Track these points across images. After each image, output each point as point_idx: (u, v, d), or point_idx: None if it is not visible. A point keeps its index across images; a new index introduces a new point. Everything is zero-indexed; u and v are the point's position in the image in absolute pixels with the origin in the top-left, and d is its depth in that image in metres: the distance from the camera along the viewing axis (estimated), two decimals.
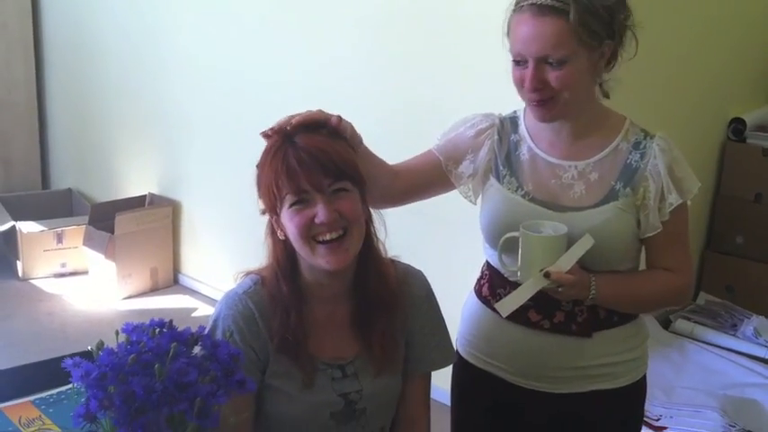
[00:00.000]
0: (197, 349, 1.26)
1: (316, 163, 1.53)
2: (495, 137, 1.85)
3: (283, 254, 1.62)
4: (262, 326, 1.60)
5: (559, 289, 1.65)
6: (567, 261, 1.65)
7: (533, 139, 1.82)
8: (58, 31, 5.27)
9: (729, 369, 3.30)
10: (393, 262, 1.74)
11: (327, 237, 1.55)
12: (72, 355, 1.23)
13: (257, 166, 1.62)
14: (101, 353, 1.19)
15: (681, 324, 3.56)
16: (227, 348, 1.24)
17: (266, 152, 1.60)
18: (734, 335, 3.47)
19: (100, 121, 5.06)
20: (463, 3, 3.15)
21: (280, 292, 1.61)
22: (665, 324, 3.60)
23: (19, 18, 5.19)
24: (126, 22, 4.74)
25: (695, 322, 3.56)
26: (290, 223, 1.56)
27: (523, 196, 1.78)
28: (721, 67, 3.69)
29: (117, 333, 1.25)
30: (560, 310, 1.77)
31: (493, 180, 1.83)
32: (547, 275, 1.63)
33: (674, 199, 1.71)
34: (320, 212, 1.53)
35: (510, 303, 1.71)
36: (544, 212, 1.74)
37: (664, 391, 3.13)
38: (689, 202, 1.76)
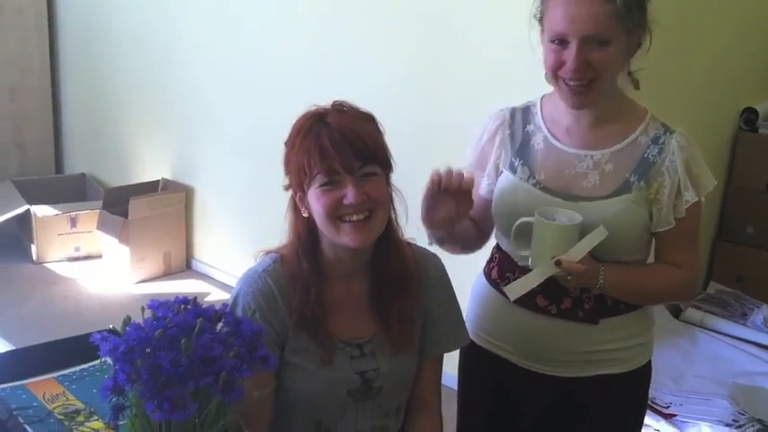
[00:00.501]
0: (220, 326, 1.29)
1: (348, 145, 1.56)
2: (507, 131, 1.87)
3: (305, 230, 1.65)
4: (281, 303, 1.63)
5: (569, 277, 1.67)
6: (580, 251, 1.67)
7: (549, 128, 1.83)
8: (72, 16, 5.29)
9: (739, 358, 3.32)
10: (410, 244, 1.76)
11: (354, 218, 1.59)
12: (100, 332, 1.26)
13: (285, 144, 1.65)
14: (128, 328, 1.21)
15: (691, 313, 3.57)
16: (249, 325, 1.27)
17: (297, 130, 1.62)
18: (744, 324, 3.49)
19: (114, 107, 5.09)
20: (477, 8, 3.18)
21: (300, 268, 1.64)
22: (676, 313, 3.61)
23: (33, 3, 5.21)
24: (140, 8, 4.76)
25: (705, 311, 3.57)
26: (317, 202, 1.58)
27: (535, 185, 1.79)
28: (733, 57, 3.69)
29: (143, 309, 1.28)
30: (568, 297, 1.79)
31: (506, 172, 1.85)
32: (558, 263, 1.65)
33: (690, 196, 1.72)
34: (349, 194, 1.56)
35: (519, 288, 1.74)
36: (555, 201, 1.76)
37: (673, 379, 3.15)
38: (703, 199, 1.77)
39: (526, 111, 1.88)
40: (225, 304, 1.33)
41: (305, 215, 1.63)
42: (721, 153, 3.79)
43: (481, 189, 1.91)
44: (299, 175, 1.60)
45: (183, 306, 1.29)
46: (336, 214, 1.58)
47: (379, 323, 1.70)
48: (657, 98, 3.18)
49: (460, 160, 1.91)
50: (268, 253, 1.70)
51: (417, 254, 1.77)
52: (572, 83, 1.69)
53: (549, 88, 1.81)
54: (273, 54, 4.04)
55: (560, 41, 1.68)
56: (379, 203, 1.61)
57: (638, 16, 1.68)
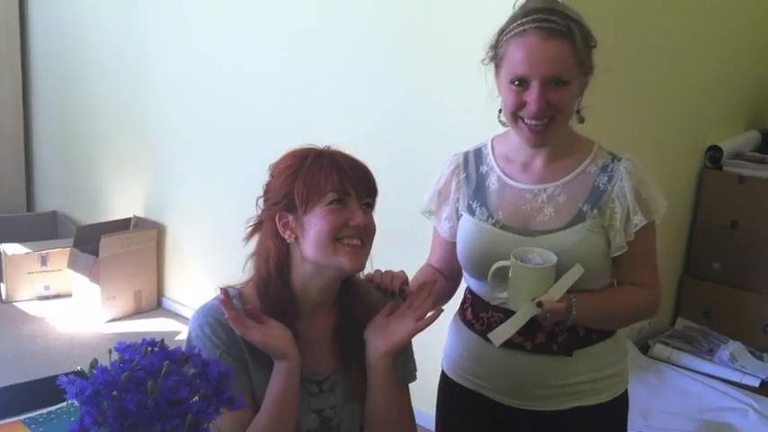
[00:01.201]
0: (187, 368, 1.30)
1: (361, 171, 1.62)
2: (462, 175, 1.92)
3: (279, 260, 1.64)
4: (239, 335, 1.60)
5: (548, 315, 1.70)
6: (558, 290, 1.69)
7: (503, 168, 1.87)
8: (45, 54, 5.31)
9: (706, 393, 3.36)
10: (371, 281, 1.78)
11: (354, 242, 1.61)
12: (67, 374, 1.27)
13: (275, 170, 1.65)
14: (95, 371, 1.21)
15: (659, 349, 3.61)
16: (217, 366, 1.27)
17: (301, 156, 1.63)
18: (710, 360, 3.53)
19: (86, 144, 5.09)
20: (452, 20, 3.21)
21: (265, 301, 1.63)
22: (644, 349, 3.65)
23: (6, 39, 5.24)
24: (114, 47, 4.79)
25: (673, 347, 3.61)
26: (322, 220, 1.59)
27: (494, 224, 1.83)
28: (699, 95, 3.77)
29: (110, 351, 1.28)
30: (541, 332, 1.81)
31: (466, 215, 1.89)
32: (539, 305, 1.67)
33: (638, 220, 1.77)
34: (358, 217, 1.59)
35: (503, 333, 1.75)
36: (515, 238, 1.79)
37: (642, 414, 3.18)
38: (658, 221, 1.81)
39: (478, 153, 1.93)
40: (191, 345, 1.34)
41: (289, 240, 1.63)
42: (687, 190, 3.85)
43: (443, 232, 1.95)
44: (304, 193, 1.60)
45: (150, 348, 1.29)
46: (338, 235, 1.60)
47: (341, 359, 1.70)
48: (624, 137, 3.25)
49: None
50: (227, 288, 1.70)
51: (375, 293, 1.78)
52: (532, 122, 1.73)
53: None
54: (247, 93, 4.06)
55: (521, 82, 1.72)
56: (371, 234, 1.64)
57: (589, 56, 1.75)
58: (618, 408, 1.94)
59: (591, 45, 1.75)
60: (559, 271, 1.71)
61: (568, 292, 1.74)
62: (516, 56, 1.72)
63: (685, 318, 3.89)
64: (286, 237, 1.63)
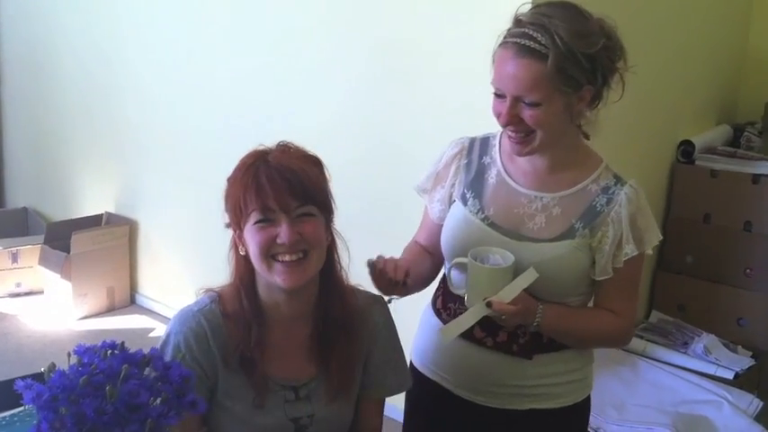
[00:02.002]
0: (149, 371, 1.28)
1: (285, 183, 1.55)
2: (464, 160, 1.89)
3: (244, 269, 1.64)
4: (213, 344, 1.61)
5: (503, 317, 1.69)
6: (510, 292, 1.68)
7: (505, 164, 1.85)
8: (15, 49, 5.24)
9: (680, 386, 3.35)
10: (354, 290, 1.76)
11: (287, 258, 1.58)
12: (24, 377, 1.24)
13: (228, 180, 1.64)
14: (52, 375, 1.19)
15: (633, 342, 3.60)
16: (178, 370, 1.26)
17: (239, 167, 1.61)
18: (685, 352, 3.53)
19: (56, 140, 5.04)
20: (435, 41, 3.21)
21: (241, 307, 1.63)
22: None
23: None
24: (85, 41, 4.73)
25: (647, 340, 3.61)
26: (251, 240, 1.58)
27: (483, 220, 1.81)
28: (671, 90, 3.77)
29: (69, 355, 1.26)
30: (504, 330, 1.80)
31: (458, 202, 1.87)
32: (489, 305, 1.66)
33: (630, 249, 1.74)
34: (283, 233, 1.55)
35: (453, 329, 1.75)
36: (500, 239, 1.78)
37: (616, 408, 3.17)
38: (650, 251, 1.79)
39: (485, 142, 1.90)
40: (154, 348, 1.32)
41: (242, 253, 1.63)
42: (659, 185, 3.85)
43: (432, 214, 1.94)
44: (235, 212, 1.60)
45: (110, 351, 1.27)
46: (270, 253, 1.58)
47: (319, 367, 1.69)
48: (600, 132, 3.25)
49: (411, 208, 1.93)
50: (207, 291, 1.69)
51: (362, 299, 1.77)
52: (509, 132, 1.72)
53: None
54: (221, 87, 4.03)
55: (499, 95, 1.70)
56: (313, 245, 1.60)
57: (579, 76, 1.66)
58: (577, 413, 1.93)
59: (580, 62, 1.64)
60: (520, 273, 1.71)
61: (536, 298, 1.73)
62: (496, 66, 1.71)
63: (659, 311, 3.90)
64: (239, 250, 1.64)
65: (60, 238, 4.42)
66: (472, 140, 1.92)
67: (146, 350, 1.30)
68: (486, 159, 1.87)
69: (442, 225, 1.90)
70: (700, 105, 4.12)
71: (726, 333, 3.66)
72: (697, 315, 3.78)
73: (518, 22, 1.68)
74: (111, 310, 4.52)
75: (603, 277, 1.77)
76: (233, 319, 1.63)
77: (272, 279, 1.60)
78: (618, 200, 1.75)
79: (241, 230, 1.61)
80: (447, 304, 1.89)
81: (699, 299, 3.82)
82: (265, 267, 1.59)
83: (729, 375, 3.39)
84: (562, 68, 1.63)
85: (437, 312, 1.93)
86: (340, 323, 1.69)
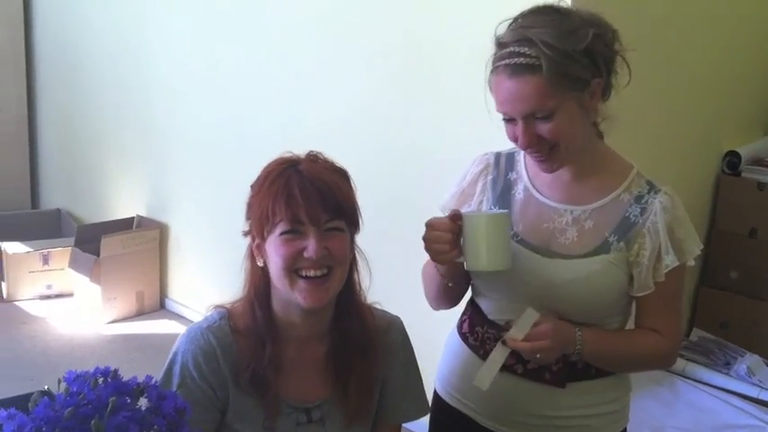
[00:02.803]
0: (143, 401, 1.19)
1: (317, 195, 1.49)
2: (489, 177, 1.80)
3: (261, 281, 1.57)
4: (222, 362, 1.54)
5: (537, 356, 1.59)
6: (518, 332, 1.59)
7: (531, 179, 1.75)
8: (50, 51, 5.25)
9: (722, 409, 3.23)
10: (372, 309, 1.68)
11: (311, 273, 1.50)
12: (25, 395, 1.18)
13: (252, 186, 1.57)
14: (36, 406, 1.11)
15: None
16: (173, 401, 1.17)
17: (266, 174, 1.54)
18: (727, 373, 3.40)
19: (91, 142, 5.02)
20: (446, 45, 3.12)
21: (254, 322, 1.55)
22: None
23: (11, 36, 5.18)
24: (119, 44, 4.72)
25: (687, 359, 3.49)
26: (275, 252, 1.50)
27: (512, 237, 1.70)
28: (716, 99, 3.64)
29: (59, 381, 1.19)
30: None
31: None
32: (504, 343, 1.59)
33: (670, 260, 1.62)
34: (311, 247, 1.48)
35: (486, 376, 1.64)
36: (530, 256, 1.67)
37: (653, 430, 3.06)
38: (692, 262, 1.67)
39: (510, 157, 1.80)
40: (149, 376, 1.23)
41: (260, 264, 1.55)
42: (704, 197, 3.73)
43: None
44: (260, 221, 1.52)
45: (102, 379, 1.19)
46: (294, 267, 1.50)
47: (335, 388, 1.61)
48: (638, 142, 3.14)
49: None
50: (217, 307, 1.61)
51: (380, 319, 1.69)
52: (532, 154, 1.63)
53: None
54: (251, 92, 3.97)
55: (508, 119, 1.61)
56: (338, 261, 1.53)
57: (582, 73, 1.57)
58: None
59: (577, 59, 1.54)
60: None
61: (574, 324, 1.63)
62: (495, 94, 1.61)
63: (701, 328, 3.76)
64: (258, 261, 1.55)
65: (91, 241, 4.39)
66: (497, 156, 1.82)
67: (138, 379, 1.21)
68: (513, 175, 1.78)
69: None
70: (746, 115, 3.98)
71: None
72: (740, 334, 3.66)
73: (500, 44, 1.58)
74: (140, 314, 4.47)
75: (644, 293, 1.65)
76: (244, 335, 1.56)
77: (291, 296, 1.52)
78: (653, 209, 1.64)
79: (263, 241, 1.53)
80: (474, 328, 1.79)
81: (743, 317, 3.69)
82: (287, 282, 1.51)
83: None
84: (561, 72, 1.53)
85: (463, 337, 1.83)
86: (358, 343, 1.62)
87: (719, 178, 3.74)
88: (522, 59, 1.53)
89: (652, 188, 1.68)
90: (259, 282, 1.57)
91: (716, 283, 3.77)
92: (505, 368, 1.71)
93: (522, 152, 1.76)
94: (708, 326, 3.75)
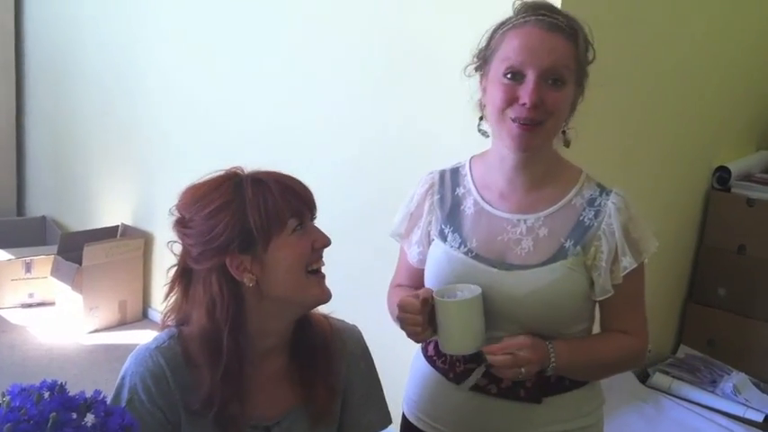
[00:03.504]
0: (91, 417, 1.15)
1: (305, 188, 1.49)
2: (436, 196, 1.75)
3: (231, 308, 1.46)
4: (173, 385, 1.46)
5: (522, 370, 1.55)
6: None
7: (480, 191, 1.71)
8: (39, 59, 5.24)
9: (707, 428, 3.18)
10: (326, 317, 1.64)
11: (319, 265, 1.50)
12: None
13: (218, 206, 1.45)
14: None
15: (658, 378, 3.44)
16: (120, 418, 1.13)
17: (228, 187, 1.46)
18: (712, 391, 3.36)
19: (78, 150, 5.00)
20: (434, 43, 3.07)
21: (218, 355, 1.45)
22: (643, 377, 3.48)
23: (1, 44, 5.16)
24: (106, 52, 4.70)
25: (673, 377, 3.44)
26: (289, 252, 1.45)
27: (467, 253, 1.66)
28: (706, 115, 3.61)
29: (2, 395, 1.14)
30: None
31: (437, 240, 1.72)
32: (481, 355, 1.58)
33: (628, 262, 1.60)
34: (321, 236, 1.48)
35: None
36: (487, 270, 1.63)
37: None
38: (646, 261, 1.64)
39: (455, 173, 1.76)
40: (97, 390, 1.19)
41: (250, 283, 1.45)
42: (693, 212, 3.69)
43: (411, 258, 1.78)
44: (261, 228, 1.42)
45: (48, 393, 1.15)
46: (307, 263, 1.47)
47: (301, 395, 1.56)
48: (628, 156, 3.10)
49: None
50: (164, 326, 1.55)
51: (335, 326, 1.64)
52: (522, 120, 1.56)
53: None
54: (237, 101, 3.94)
55: (514, 75, 1.56)
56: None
57: (584, 71, 1.61)
58: None
59: (589, 57, 1.61)
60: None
61: (543, 337, 1.59)
62: (513, 44, 1.56)
63: (688, 345, 3.72)
64: (245, 280, 1.45)
65: (75, 249, 4.34)
66: (441, 173, 1.78)
67: (87, 394, 1.17)
68: (460, 190, 1.73)
69: (422, 269, 1.75)
70: (737, 130, 3.94)
71: (757, 371, 3.49)
72: (727, 351, 3.61)
73: (529, 7, 1.58)
74: (122, 324, 4.42)
75: (605, 296, 1.62)
76: (200, 367, 1.47)
77: (306, 295, 1.48)
78: (606, 210, 1.61)
79: (255, 254, 1.44)
80: (441, 351, 1.72)
81: (730, 334, 3.64)
82: (303, 282, 1.47)
83: (759, 418, 3.21)
84: (582, 60, 1.59)
85: (430, 360, 1.78)
86: (320, 346, 1.58)
87: (709, 194, 3.70)
88: (558, 21, 1.55)
89: (603, 190, 1.66)
90: (231, 308, 1.46)
91: (703, 299, 3.73)
92: (479, 389, 1.67)
93: (467, 166, 1.75)
94: (695, 343, 3.71)
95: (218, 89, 4.05)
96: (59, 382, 1.16)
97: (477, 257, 1.65)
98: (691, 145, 3.58)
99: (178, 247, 1.52)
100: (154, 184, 4.50)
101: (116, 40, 4.61)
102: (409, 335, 1.63)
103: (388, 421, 1.69)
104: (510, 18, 1.60)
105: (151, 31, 4.41)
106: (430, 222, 1.74)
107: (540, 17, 1.55)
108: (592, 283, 1.63)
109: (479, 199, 1.70)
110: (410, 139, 3.17)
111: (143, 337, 4.15)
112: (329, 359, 1.59)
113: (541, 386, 1.66)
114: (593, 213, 1.62)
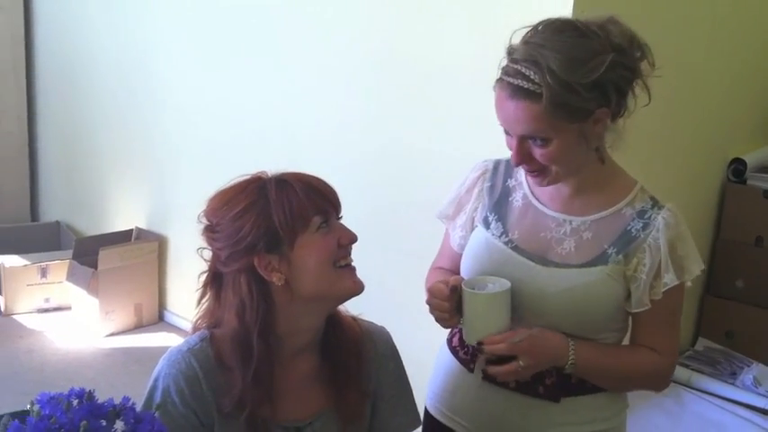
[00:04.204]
0: (120, 424, 1.15)
1: (328, 186, 1.51)
2: (486, 183, 1.76)
3: (262, 308, 1.47)
4: (206, 387, 1.47)
5: (520, 363, 1.55)
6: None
7: (531, 187, 1.71)
8: (50, 63, 5.23)
9: (728, 420, 3.18)
10: (355, 319, 1.64)
11: (347, 261, 1.51)
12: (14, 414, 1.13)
13: (221, 215, 1.50)
14: (7, 429, 1.07)
15: (678, 371, 3.42)
16: (150, 424, 1.12)
17: (253, 189, 1.49)
18: (733, 383, 3.35)
19: (91, 154, 4.99)
20: (440, 51, 3.07)
21: (249, 357, 1.47)
22: None
23: (12, 49, 5.15)
24: (118, 57, 4.69)
25: (693, 369, 3.43)
26: (315, 249, 1.46)
27: (506, 243, 1.66)
28: (721, 106, 3.58)
29: (31, 404, 1.14)
30: None
31: (480, 227, 1.73)
32: (480, 347, 1.56)
33: (669, 279, 1.58)
34: (347, 233, 1.49)
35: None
36: (524, 263, 1.63)
37: None
38: (689, 283, 1.63)
39: (509, 164, 1.75)
40: (125, 397, 1.18)
41: (279, 282, 1.46)
42: (709, 205, 3.67)
43: (453, 242, 1.80)
44: (286, 227, 1.44)
45: (77, 401, 1.15)
46: (337, 257, 1.48)
47: (332, 397, 1.56)
48: (642, 149, 3.07)
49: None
50: (196, 329, 1.55)
51: (365, 329, 1.65)
52: (524, 168, 1.60)
53: None
54: (250, 105, 3.93)
55: (506, 131, 1.58)
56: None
57: (584, 104, 1.50)
58: None
59: (580, 92, 1.48)
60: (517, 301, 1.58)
61: (567, 335, 1.58)
62: (496, 104, 1.56)
63: (706, 338, 3.70)
64: (275, 280, 1.46)
65: (89, 254, 4.34)
66: (497, 163, 1.78)
67: (115, 401, 1.17)
68: (512, 182, 1.74)
69: (461, 254, 1.76)
70: (752, 121, 3.92)
71: None
72: (746, 343, 3.59)
73: (511, 55, 1.53)
74: (138, 327, 4.42)
75: (640, 309, 1.61)
76: (231, 369, 1.48)
77: (339, 288, 1.49)
78: (655, 224, 1.59)
79: (282, 253, 1.45)
80: (464, 342, 1.73)
81: (749, 326, 3.62)
82: (333, 277, 1.48)
83: None
84: (562, 104, 1.48)
85: (453, 351, 1.79)
86: (350, 348, 1.58)
87: (725, 186, 3.68)
88: (524, 83, 1.48)
89: (656, 204, 1.64)
90: (260, 309, 1.47)
91: (721, 292, 3.71)
92: (497, 382, 1.67)
93: None
94: (713, 335, 3.69)
95: (230, 92, 4.04)
96: (88, 390, 1.16)
97: (516, 249, 1.66)
98: (706, 138, 3.56)
99: (208, 254, 1.53)
100: (167, 187, 4.51)
101: (127, 44, 4.61)
102: (437, 319, 1.64)
103: (418, 423, 1.70)
104: (502, 61, 1.56)
105: (162, 36, 4.41)
106: (476, 209, 1.76)
107: (508, 80, 1.51)
108: (629, 295, 1.61)
109: (529, 193, 1.71)
110: (422, 144, 3.18)
111: (160, 340, 4.23)
112: (360, 361, 1.59)
113: (561, 385, 1.65)
114: (641, 225, 1.61)
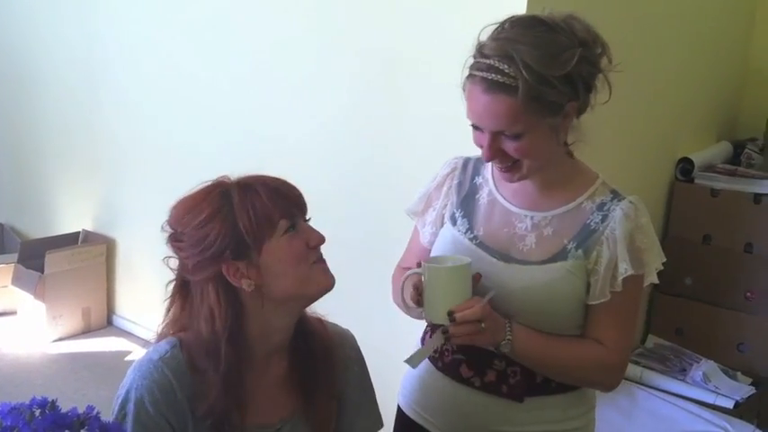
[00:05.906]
0: None
1: (294, 189, 1.50)
2: (455, 181, 1.78)
3: (232, 316, 1.46)
4: (180, 395, 1.45)
5: (482, 324, 1.53)
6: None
7: (497, 184, 1.72)
8: None
9: (679, 416, 3.22)
10: (322, 321, 1.63)
11: (318, 256, 1.50)
12: None
13: (185, 223, 1.47)
14: None
15: (629, 369, 3.47)
16: None
17: (216, 195, 1.47)
18: (683, 380, 3.40)
19: (35, 156, 4.91)
20: (427, 52, 3.06)
21: (218, 362, 1.45)
22: None
23: None
24: (65, 54, 4.61)
25: (644, 366, 3.48)
26: (284, 253, 1.44)
27: (472, 240, 1.68)
28: (669, 105, 3.64)
29: None
30: (492, 369, 1.66)
31: (448, 224, 1.74)
32: (451, 316, 1.51)
33: (624, 268, 1.57)
34: (315, 235, 1.48)
35: (415, 356, 1.59)
36: (488, 260, 1.64)
37: None
38: (652, 279, 1.63)
39: (478, 162, 1.77)
40: (90, 406, 1.16)
41: (249, 288, 1.45)
42: (657, 204, 3.72)
43: (423, 238, 1.81)
44: (252, 233, 1.42)
45: (39, 411, 1.11)
46: (306, 259, 1.48)
47: (302, 402, 1.55)
48: (596, 148, 3.10)
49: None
50: (162, 336, 1.53)
51: (331, 331, 1.64)
52: (495, 164, 1.61)
53: None
54: (203, 105, 3.90)
55: (476, 127, 1.58)
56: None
57: (558, 98, 1.52)
58: None
59: (554, 85, 1.50)
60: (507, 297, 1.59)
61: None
62: (468, 101, 1.57)
63: (656, 335, 3.76)
64: (244, 286, 1.44)
65: (35, 257, 4.27)
66: (466, 160, 1.80)
67: (79, 410, 1.14)
68: (479, 179, 1.76)
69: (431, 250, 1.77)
70: (699, 121, 3.99)
71: (725, 359, 3.53)
72: (696, 340, 3.65)
73: (481, 51, 1.53)
74: (86, 331, 4.36)
75: (599, 301, 1.60)
76: (202, 373, 1.46)
77: (311, 287, 1.48)
78: (613, 216, 1.60)
79: (250, 259, 1.44)
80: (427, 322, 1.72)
81: (697, 323, 3.68)
82: (305, 276, 1.47)
83: (729, 404, 3.25)
84: (537, 97, 1.49)
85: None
86: (319, 351, 1.57)
87: (673, 185, 3.74)
88: (499, 77, 1.48)
89: (616, 196, 1.64)
90: (229, 316, 1.46)
91: (670, 289, 3.76)
92: (463, 381, 1.68)
93: None
94: (663, 332, 3.74)
95: (186, 94, 3.99)
96: (50, 399, 1.13)
97: (481, 245, 1.67)
98: (654, 137, 3.61)
99: (175, 262, 1.50)
100: (114, 188, 4.44)
101: (76, 44, 4.53)
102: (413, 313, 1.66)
103: (380, 425, 1.70)
104: (469, 59, 1.57)
105: (113, 33, 4.33)
106: (445, 206, 1.77)
107: (482, 75, 1.51)
108: (589, 289, 1.61)
109: (494, 190, 1.72)
110: (404, 146, 3.17)
111: (109, 345, 4.16)
112: (329, 365, 1.59)
113: (525, 385, 1.66)
114: (600, 218, 1.62)
